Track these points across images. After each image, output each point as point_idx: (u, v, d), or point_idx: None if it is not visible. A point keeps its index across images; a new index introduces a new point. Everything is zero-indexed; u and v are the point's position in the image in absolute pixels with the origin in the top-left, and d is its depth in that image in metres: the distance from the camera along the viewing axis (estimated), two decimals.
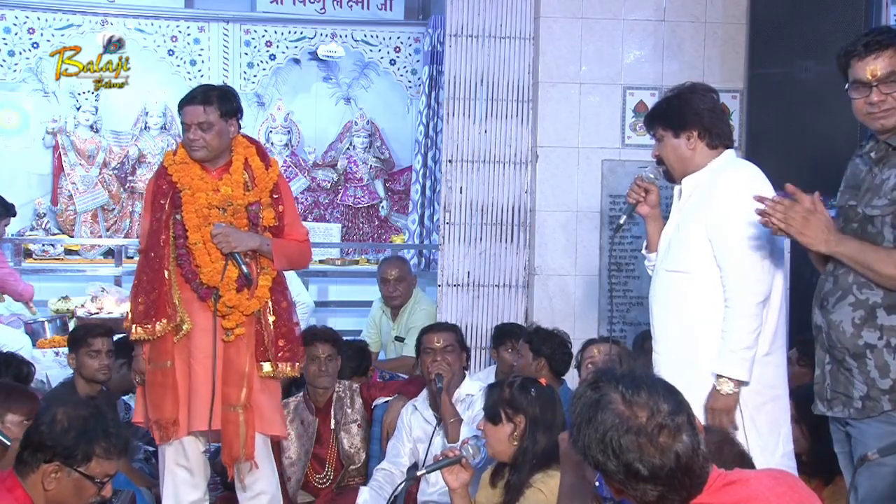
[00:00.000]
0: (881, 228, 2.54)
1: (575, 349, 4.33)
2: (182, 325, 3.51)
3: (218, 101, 3.54)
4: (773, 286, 3.04)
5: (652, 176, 3.29)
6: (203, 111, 3.52)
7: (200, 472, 3.64)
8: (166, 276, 3.52)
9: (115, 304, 6.08)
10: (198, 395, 3.51)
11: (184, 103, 3.58)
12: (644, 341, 4.09)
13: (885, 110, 2.56)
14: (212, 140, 3.54)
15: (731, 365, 2.96)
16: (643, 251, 3.42)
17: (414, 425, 3.97)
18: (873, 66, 2.54)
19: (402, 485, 3.09)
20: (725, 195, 3.01)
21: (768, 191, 2.94)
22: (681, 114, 3.14)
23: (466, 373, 4.10)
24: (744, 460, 2.24)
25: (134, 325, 3.53)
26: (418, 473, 3.16)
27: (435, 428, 3.88)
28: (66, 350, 5.37)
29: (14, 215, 5.96)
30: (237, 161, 3.62)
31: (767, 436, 3.02)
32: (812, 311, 2.76)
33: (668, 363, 3.11)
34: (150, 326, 3.49)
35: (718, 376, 2.97)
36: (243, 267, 3.51)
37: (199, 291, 3.52)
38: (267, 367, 3.59)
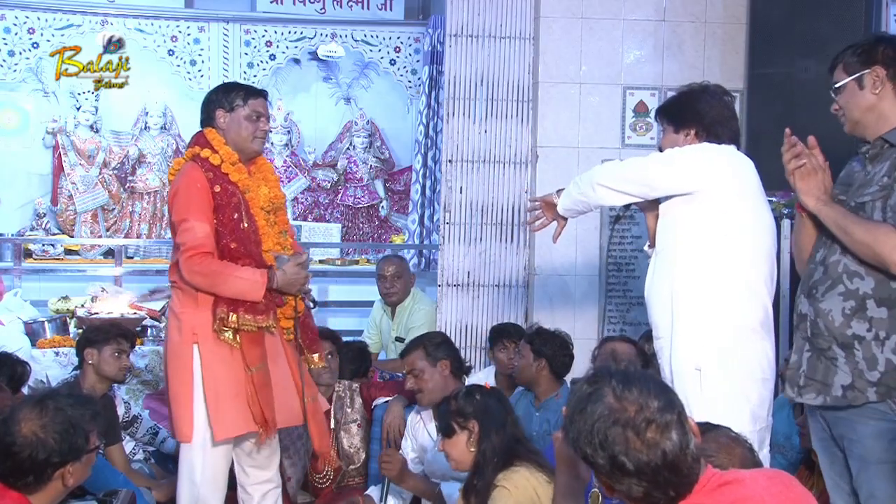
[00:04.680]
0: (871, 213, 2.58)
1: (575, 350, 4.34)
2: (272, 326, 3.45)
3: None
4: (755, 271, 3.09)
5: None
6: (267, 105, 3.60)
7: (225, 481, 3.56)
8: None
9: (114, 304, 6.08)
10: (281, 392, 3.45)
11: (254, 94, 3.56)
12: (645, 343, 4.10)
13: (842, 117, 2.72)
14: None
15: (567, 193, 3.25)
16: (646, 248, 3.45)
17: (419, 434, 3.95)
18: (834, 78, 2.72)
19: None
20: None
21: (726, 168, 3.11)
22: (683, 112, 3.22)
23: (465, 376, 4.04)
24: (752, 460, 2.23)
25: (257, 317, 3.35)
26: None
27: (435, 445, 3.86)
28: (66, 350, 5.39)
29: None
30: (261, 158, 3.64)
31: (727, 409, 2.95)
32: (797, 300, 2.78)
33: (665, 350, 3.15)
34: (262, 317, 3.38)
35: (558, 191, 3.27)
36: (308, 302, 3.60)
37: (276, 299, 3.45)
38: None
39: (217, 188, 3.38)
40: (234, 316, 3.31)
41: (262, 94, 3.59)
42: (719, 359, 3.04)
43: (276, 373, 3.44)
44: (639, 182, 3.14)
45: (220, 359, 3.35)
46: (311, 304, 3.64)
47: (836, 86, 2.68)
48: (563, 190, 3.29)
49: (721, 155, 3.13)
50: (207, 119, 3.55)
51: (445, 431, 3.14)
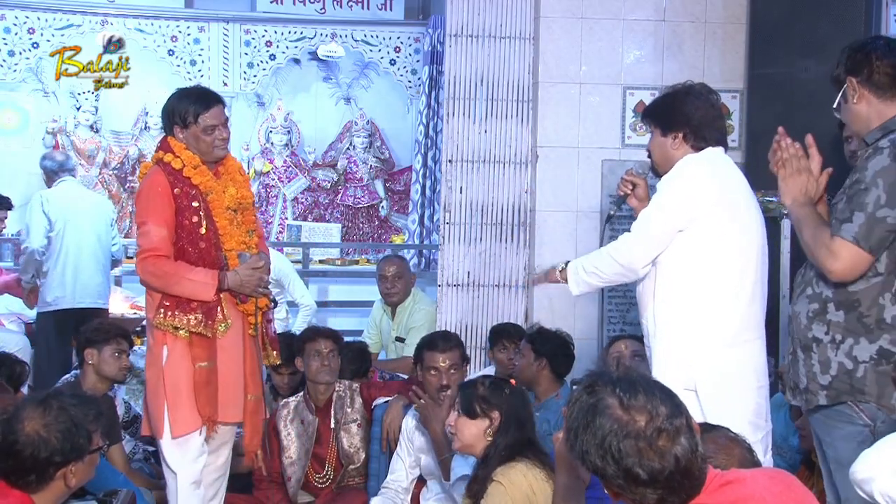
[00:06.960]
0: (833, 216, 2.62)
1: (575, 350, 4.34)
2: (224, 324, 3.52)
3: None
4: (744, 281, 3.06)
5: (641, 170, 3.37)
6: (224, 110, 3.61)
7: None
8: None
9: (114, 304, 6.08)
10: (231, 388, 3.53)
11: (204, 108, 3.52)
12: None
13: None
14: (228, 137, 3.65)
15: (576, 275, 3.22)
16: None
17: (416, 438, 3.95)
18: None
19: None
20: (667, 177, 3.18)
21: (706, 190, 3.08)
22: (670, 114, 3.18)
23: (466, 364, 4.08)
24: (751, 460, 2.24)
25: (189, 317, 3.43)
26: None
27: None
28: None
29: (10, 208, 5.96)
30: (229, 158, 3.68)
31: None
32: None
33: (651, 356, 3.16)
34: (212, 324, 3.46)
35: (562, 271, 3.26)
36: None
37: (238, 297, 3.53)
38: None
39: (177, 190, 3.46)
40: (168, 318, 3.41)
41: (212, 105, 3.54)
42: (713, 379, 3.01)
43: (230, 368, 3.51)
44: (624, 267, 3.16)
45: (180, 356, 3.44)
46: (273, 304, 3.70)
47: (834, 106, 2.72)
48: (567, 264, 3.30)
49: (699, 188, 3.07)
50: (169, 126, 3.60)
51: (468, 412, 3.13)
